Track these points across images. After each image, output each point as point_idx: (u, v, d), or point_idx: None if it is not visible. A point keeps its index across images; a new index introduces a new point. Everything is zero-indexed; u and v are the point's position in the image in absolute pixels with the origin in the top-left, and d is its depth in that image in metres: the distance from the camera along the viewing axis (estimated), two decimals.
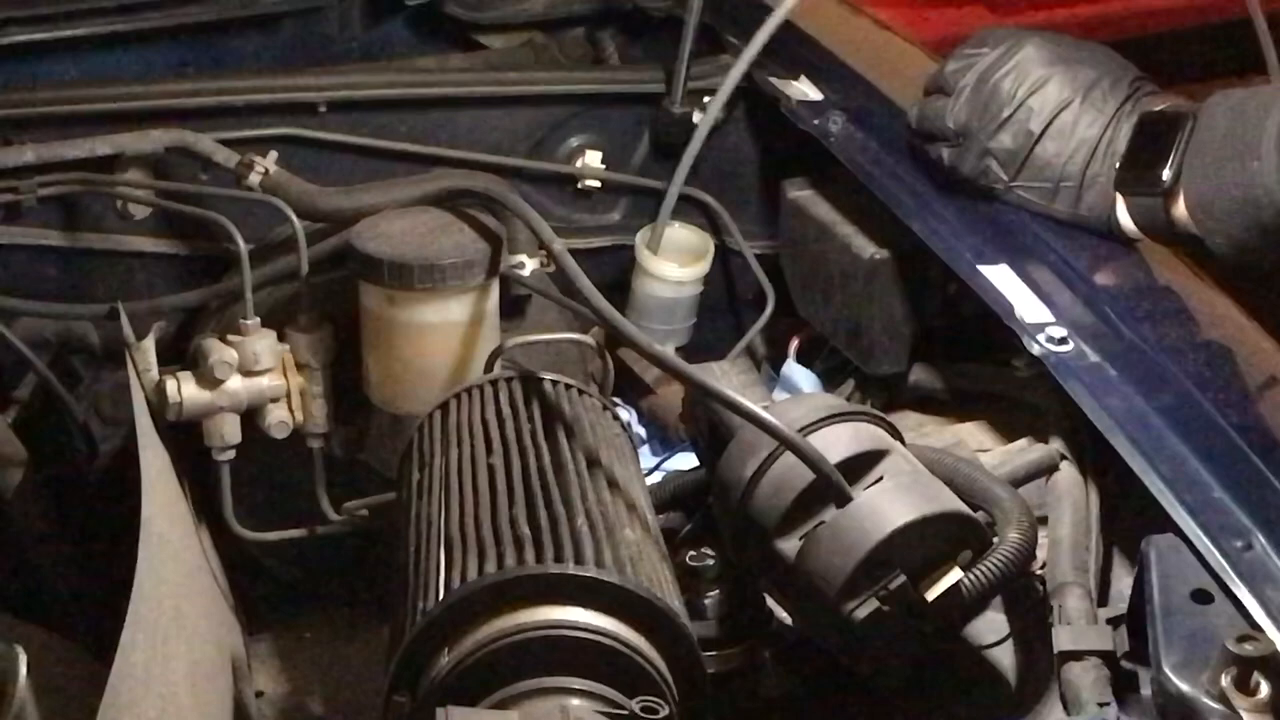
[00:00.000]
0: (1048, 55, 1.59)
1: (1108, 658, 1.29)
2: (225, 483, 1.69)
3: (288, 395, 1.68)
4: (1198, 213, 1.49)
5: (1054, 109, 1.57)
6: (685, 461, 1.72)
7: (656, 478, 1.65)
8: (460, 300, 1.65)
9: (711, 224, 2.03)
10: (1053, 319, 1.47)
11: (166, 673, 1.24)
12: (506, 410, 1.41)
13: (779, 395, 1.89)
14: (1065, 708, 1.29)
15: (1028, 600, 1.40)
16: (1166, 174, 1.50)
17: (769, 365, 2.00)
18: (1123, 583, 1.40)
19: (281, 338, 1.69)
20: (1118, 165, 1.55)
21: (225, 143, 1.81)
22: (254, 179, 1.78)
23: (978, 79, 1.60)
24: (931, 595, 1.27)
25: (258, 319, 1.66)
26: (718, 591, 1.40)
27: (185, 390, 1.64)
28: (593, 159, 2.00)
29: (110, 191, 1.83)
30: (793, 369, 1.91)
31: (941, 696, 1.38)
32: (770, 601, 1.42)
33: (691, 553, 1.41)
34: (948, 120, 1.61)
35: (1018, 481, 1.48)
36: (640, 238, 1.97)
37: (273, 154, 1.81)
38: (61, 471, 1.85)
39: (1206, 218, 1.49)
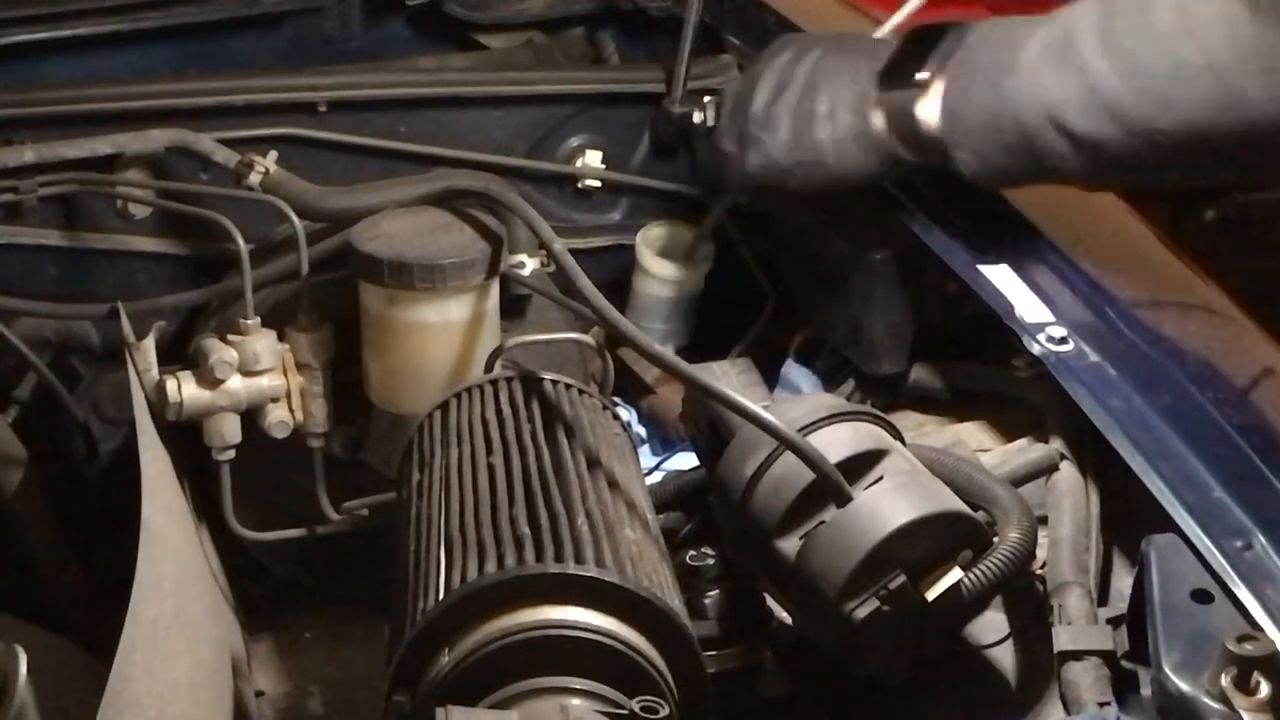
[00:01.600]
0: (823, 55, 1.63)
1: (1108, 658, 1.29)
2: (225, 483, 1.69)
3: (288, 395, 1.68)
4: (948, 121, 1.50)
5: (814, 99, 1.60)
6: (685, 461, 1.72)
7: (656, 478, 1.65)
8: (460, 300, 1.65)
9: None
10: (1053, 319, 1.47)
11: (166, 672, 1.24)
12: (506, 410, 1.41)
13: (779, 395, 1.89)
14: (1065, 708, 1.28)
15: (1028, 600, 1.40)
16: (924, 74, 1.52)
17: (769, 365, 2.00)
18: (1123, 583, 1.40)
19: (281, 338, 1.69)
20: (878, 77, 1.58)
21: (225, 143, 1.81)
22: (254, 179, 1.78)
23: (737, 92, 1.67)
24: (931, 595, 1.26)
25: (258, 319, 1.66)
26: (718, 591, 1.40)
27: (185, 390, 1.64)
28: (593, 159, 2.00)
29: (110, 191, 1.83)
30: (792, 369, 1.90)
31: (941, 696, 1.38)
32: (770, 601, 1.42)
33: (691, 553, 1.41)
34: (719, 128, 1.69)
35: (1018, 481, 1.48)
36: (640, 238, 1.97)
37: (273, 154, 1.81)
38: (61, 471, 1.85)
39: (955, 128, 1.49)
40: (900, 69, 1.56)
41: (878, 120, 1.57)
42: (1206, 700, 1.10)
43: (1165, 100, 1.38)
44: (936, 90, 1.51)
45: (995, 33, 1.50)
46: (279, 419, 1.68)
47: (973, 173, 1.50)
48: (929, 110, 1.52)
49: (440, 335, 1.65)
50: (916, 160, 1.59)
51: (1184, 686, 1.11)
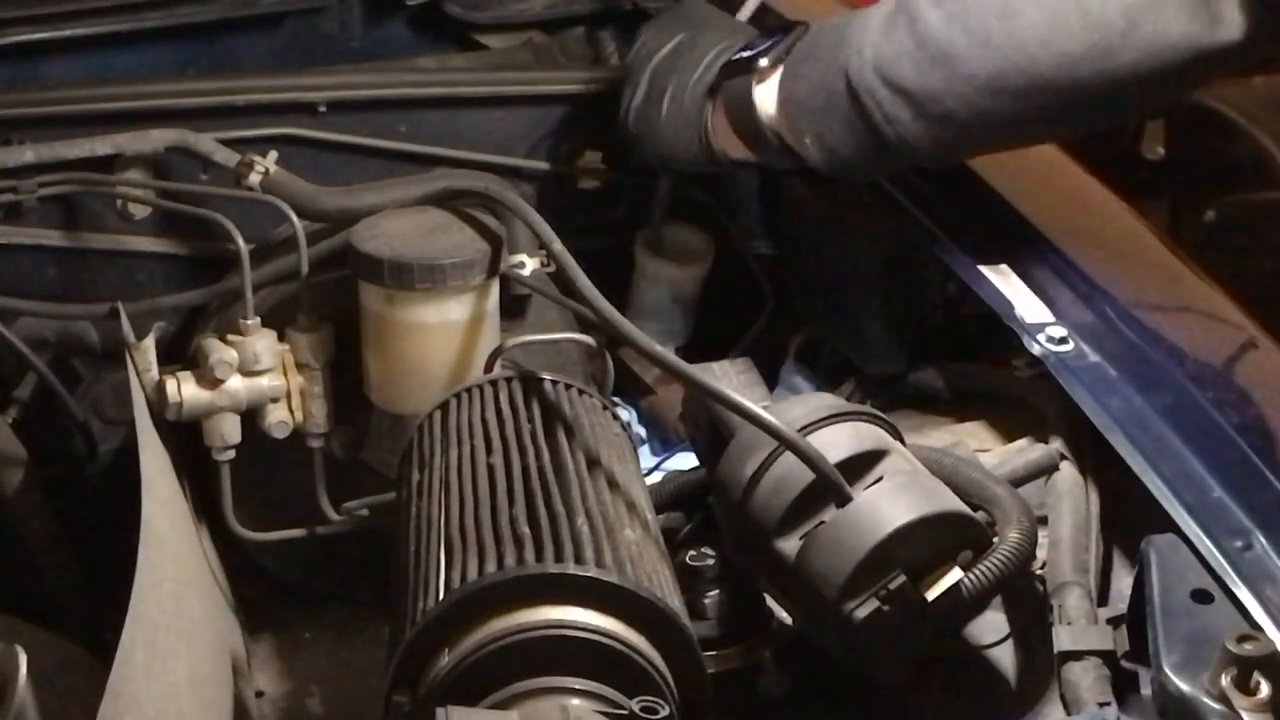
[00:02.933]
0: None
1: (1108, 658, 1.29)
2: (225, 483, 1.69)
3: (288, 395, 1.68)
4: (785, 108, 1.53)
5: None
6: (685, 461, 1.72)
7: (656, 478, 1.65)
8: (460, 300, 1.65)
9: (711, 224, 2.03)
10: (1053, 319, 1.48)
11: (166, 672, 1.24)
12: (506, 410, 1.41)
13: (779, 395, 1.89)
14: (1065, 708, 1.29)
15: (1028, 600, 1.40)
16: (765, 62, 1.55)
17: (769, 365, 2.00)
18: (1123, 583, 1.40)
19: (281, 338, 1.69)
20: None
21: (225, 143, 1.81)
22: (254, 179, 1.78)
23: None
24: (931, 595, 1.26)
25: (258, 319, 1.66)
26: (718, 591, 1.40)
27: (185, 390, 1.64)
28: (593, 159, 2.00)
29: (110, 191, 1.83)
30: (792, 369, 1.91)
31: (941, 696, 1.38)
32: (770, 601, 1.42)
33: (691, 553, 1.41)
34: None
35: (1018, 481, 1.48)
36: (640, 238, 1.97)
37: (273, 154, 1.81)
38: (61, 471, 1.85)
39: (793, 113, 1.52)
40: (744, 61, 1.59)
41: (708, 115, 1.62)
42: (1206, 700, 1.10)
43: (990, 39, 1.41)
44: (774, 79, 1.54)
45: (837, 21, 1.53)
46: (279, 419, 1.68)
47: (819, 159, 1.52)
48: (766, 98, 1.54)
49: (440, 335, 1.65)
50: (757, 159, 1.62)
51: (1184, 686, 1.11)
